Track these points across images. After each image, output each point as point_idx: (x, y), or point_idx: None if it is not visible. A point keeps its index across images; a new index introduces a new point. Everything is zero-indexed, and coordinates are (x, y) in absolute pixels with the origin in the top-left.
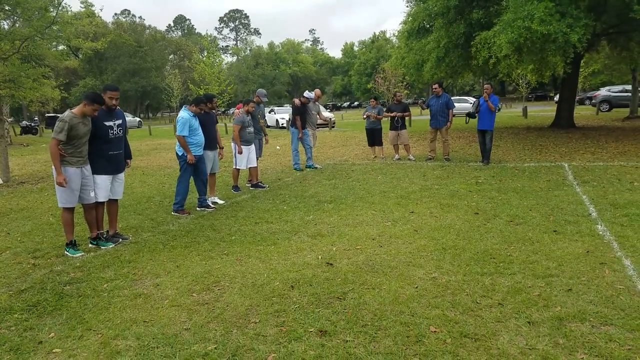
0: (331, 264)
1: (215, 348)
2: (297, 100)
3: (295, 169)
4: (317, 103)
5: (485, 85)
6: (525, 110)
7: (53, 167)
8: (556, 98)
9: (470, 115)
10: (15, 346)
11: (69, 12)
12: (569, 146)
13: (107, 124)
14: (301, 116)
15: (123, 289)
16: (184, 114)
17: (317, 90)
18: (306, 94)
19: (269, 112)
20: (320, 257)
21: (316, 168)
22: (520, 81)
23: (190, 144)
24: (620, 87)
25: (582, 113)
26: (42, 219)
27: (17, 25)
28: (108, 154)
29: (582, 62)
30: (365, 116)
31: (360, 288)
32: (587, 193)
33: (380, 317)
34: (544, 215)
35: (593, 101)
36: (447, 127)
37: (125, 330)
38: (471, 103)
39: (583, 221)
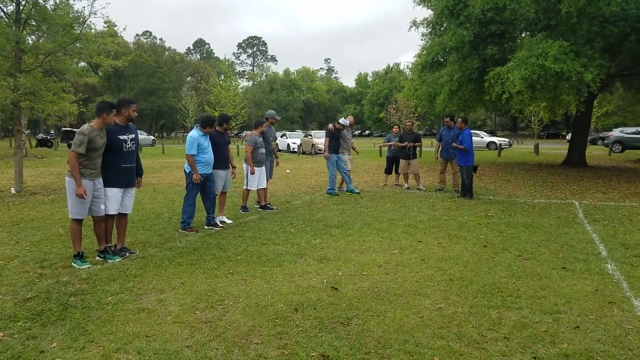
0: (336, 289)
1: None
2: (331, 125)
3: (328, 193)
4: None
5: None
6: (537, 147)
7: (67, 178)
8: (568, 137)
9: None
10: (16, 354)
11: (93, 31)
12: (580, 184)
13: (122, 137)
14: (334, 140)
15: (127, 302)
16: (193, 133)
17: (351, 117)
18: (341, 120)
19: (281, 137)
20: (325, 281)
21: (357, 193)
22: (533, 118)
23: (199, 162)
24: (633, 129)
25: (595, 153)
26: (51, 230)
27: (41, 40)
28: (121, 167)
29: (595, 102)
30: (388, 144)
31: (364, 314)
32: (598, 232)
33: (384, 345)
34: (553, 251)
35: (605, 141)
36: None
37: (127, 344)
38: (482, 137)
39: (592, 259)
